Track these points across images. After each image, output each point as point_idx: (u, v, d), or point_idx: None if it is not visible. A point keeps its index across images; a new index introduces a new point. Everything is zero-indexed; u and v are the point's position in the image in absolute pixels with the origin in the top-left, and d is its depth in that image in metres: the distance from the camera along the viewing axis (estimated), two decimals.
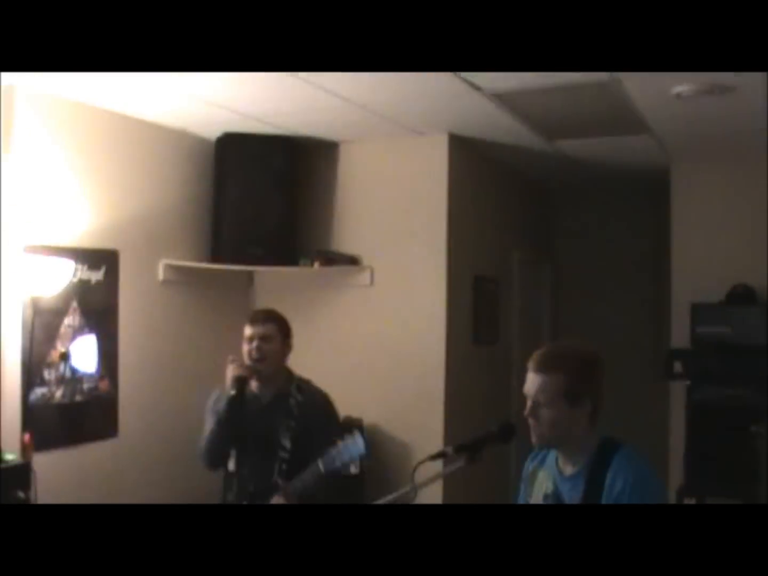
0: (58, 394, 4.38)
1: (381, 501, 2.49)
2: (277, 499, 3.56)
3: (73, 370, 4.46)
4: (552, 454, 2.64)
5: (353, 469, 3.62)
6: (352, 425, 4.81)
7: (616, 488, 2.40)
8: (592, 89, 4.22)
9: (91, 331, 4.55)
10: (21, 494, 3.76)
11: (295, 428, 3.69)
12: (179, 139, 5.24)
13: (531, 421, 2.53)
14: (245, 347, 3.78)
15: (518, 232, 6.89)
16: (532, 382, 2.54)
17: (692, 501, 5.07)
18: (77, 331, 4.49)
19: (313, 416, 3.72)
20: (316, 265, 5.47)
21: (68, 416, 4.45)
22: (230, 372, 3.73)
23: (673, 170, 6.11)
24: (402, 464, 5.23)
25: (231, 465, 3.81)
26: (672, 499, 5.11)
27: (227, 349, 4.32)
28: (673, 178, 6.11)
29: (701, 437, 5.17)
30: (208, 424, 3.82)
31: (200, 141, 5.38)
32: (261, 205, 5.29)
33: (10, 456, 3.86)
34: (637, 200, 7.27)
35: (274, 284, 5.77)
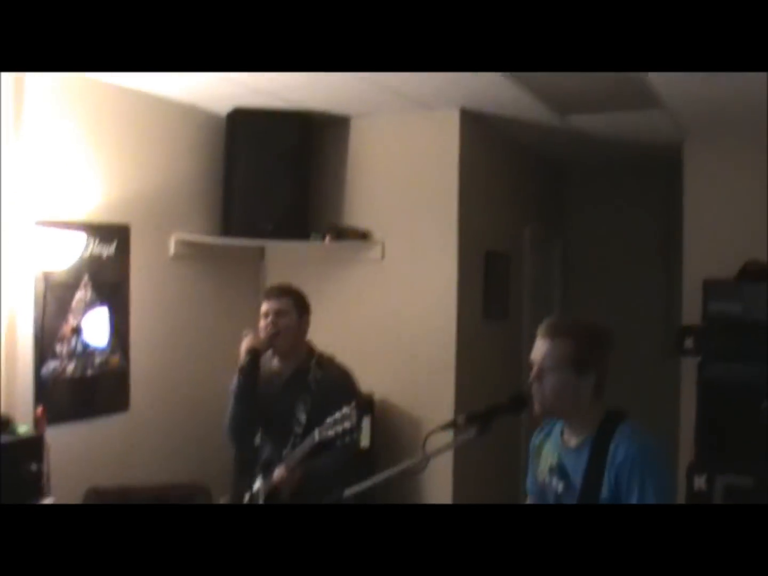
0: (70, 368, 4.40)
1: (392, 470, 2.49)
2: (279, 470, 3.57)
3: (85, 345, 4.48)
4: (558, 428, 2.64)
5: (364, 443, 3.61)
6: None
7: (617, 459, 2.40)
8: None
9: (102, 305, 4.57)
10: (33, 466, 3.79)
11: (312, 404, 3.67)
12: (190, 114, 5.23)
13: (535, 387, 2.51)
14: (261, 323, 3.77)
15: (529, 208, 6.86)
16: (539, 347, 2.53)
17: (702, 478, 5.06)
18: (89, 306, 4.50)
19: (331, 393, 3.66)
20: (327, 239, 5.46)
21: (80, 390, 4.47)
22: (244, 344, 3.73)
23: (686, 146, 6.06)
24: (412, 439, 5.24)
25: (257, 441, 3.84)
26: (682, 476, 5.11)
27: (237, 324, 4.33)
28: (686, 154, 6.06)
29: (712, 414, 5.15)
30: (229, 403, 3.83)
31: (211, 116, 5.36)
32: (272, 179, 5.27)
33: (23, 428, 3.88)
34: (649, 176, 7.22)
35: (284, 259, 5.78)
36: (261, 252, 5.87)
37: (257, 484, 3.74)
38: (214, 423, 4.09)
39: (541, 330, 2.55)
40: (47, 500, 3.85)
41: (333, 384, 3.73)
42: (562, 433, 2.61)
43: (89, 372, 4.51)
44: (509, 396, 2.58)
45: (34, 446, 3.83)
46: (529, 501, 2.83)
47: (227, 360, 4.03)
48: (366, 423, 4.64)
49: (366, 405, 4.79)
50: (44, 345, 4.22)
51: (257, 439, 3.84)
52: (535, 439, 2.75)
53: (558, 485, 2.56)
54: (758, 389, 4.90)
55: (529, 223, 6.80)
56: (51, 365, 4.28)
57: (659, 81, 4.50)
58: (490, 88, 4.75)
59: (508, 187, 6.36)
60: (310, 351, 3.84)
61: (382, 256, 5.54)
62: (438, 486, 5.30)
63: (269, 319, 3.73)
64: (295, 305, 3.78)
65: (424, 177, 5.47)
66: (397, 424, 5.42)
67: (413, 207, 5.48)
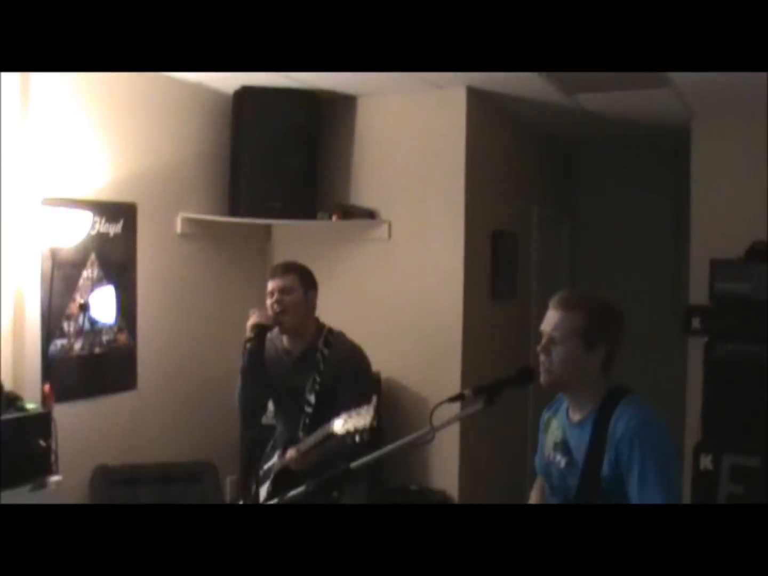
0: (78, 345, 4.41)
1: (399, 442, 2.49)
2: (290, 453, 3.57)
3: (92, 322, 4.50)
4: (565, 404, 2.64)
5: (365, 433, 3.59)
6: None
7: (617, 433, 2.39)
8: None
9: (109, 283, 4.58)
10: (42, 443, 3.81)
11: (320, 383, 3.65)
12: (197, 92, 5.22)
13: (542, 357, 2.50)
14: (268, 301, 3.76)
15: (537, 188, 6.85)
16: (551, 318, 2.52)
17: (709, 458, 5.06)
18: (96, 284, 4.51)
19: (339, 371, 3.64)
20: (334, 218, 5.45)
21: (87, 368, 4.49)
22: (249, 321, 3.73)
23: (693, 125, 6.04)
24: (419, 418, 5.24)
25: (270, 419, 3.84)
26: (688, 456, 5.12)
27: (244, 302, 4.34)
28: (694, 133, 6.04)
29: (718, 394, 5.14)
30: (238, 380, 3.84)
31: (218, 94, 5.35)
32: (279, 158, 5.26)
33: (31, 405, 3.90)
34: (657, 155, 7.20)
35: (292, 238, 5.78)
36: (268, 230, 5.87)
37: (269, 463, 3.76)
38: (222, 401, 4.10)
39: (553, 301, 2.54)
40: (55, 478, 3.88)
41: (341, 362, 3.69)
42: (567, 409, 2.61)
43: (96, 350, 4.53)
44: (516, 369, 2.57)
45: (41, 423, 3.86)
46: (537, 480, 2.84)
47: (235, 338, 4.03)
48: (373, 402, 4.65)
49: (374, 383, 4.79)
50: (51, 323, 4.24)
51: (270, 417, 3.84)
52: (544, 416, 2.75)
53: (561, 461, 2.56)
54: (765, 369, 4.89)
55: (537, 203, 6.78)
56: (58, 343, 4.29)
57: None
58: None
59: (516, 167, 6.34)
60: (320, 327, 3.81)
61: (389, 235, 5.53)
62: (445, 458, 5.33)
63: (275, 297, 3.71)
64: (301, 282, 3.75)
65: (431, 156, 5.45)
66: (404, 403, 5.43)
67: (420, 186, 5.47)
